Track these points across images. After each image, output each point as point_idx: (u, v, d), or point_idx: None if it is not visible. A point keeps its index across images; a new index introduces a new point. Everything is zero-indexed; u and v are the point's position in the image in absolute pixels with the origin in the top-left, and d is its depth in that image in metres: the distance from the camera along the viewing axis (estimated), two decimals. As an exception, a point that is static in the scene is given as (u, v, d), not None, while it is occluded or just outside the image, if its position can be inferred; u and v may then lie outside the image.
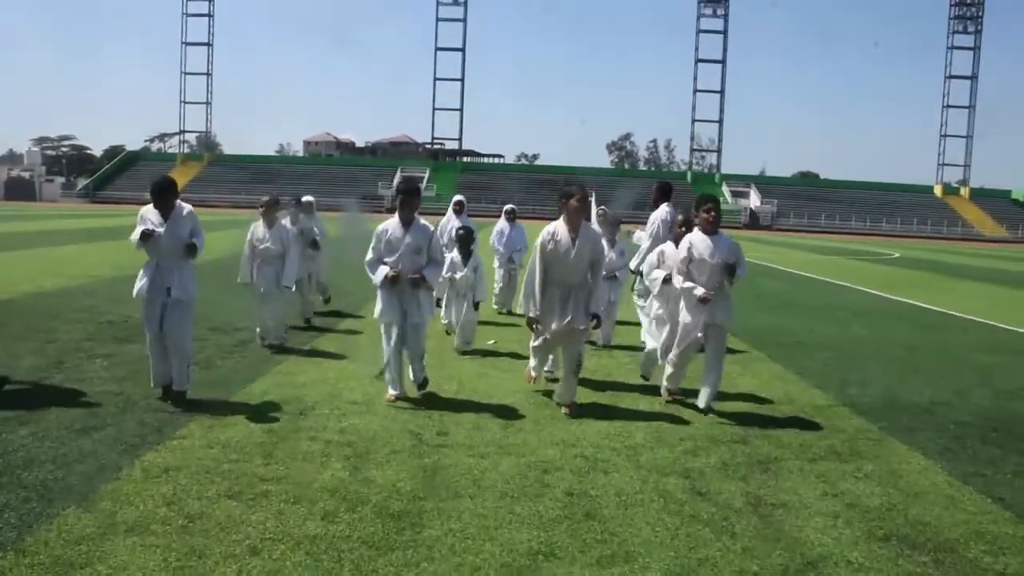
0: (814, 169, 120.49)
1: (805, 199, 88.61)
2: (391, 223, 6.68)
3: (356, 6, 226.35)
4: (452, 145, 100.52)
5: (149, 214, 6.26)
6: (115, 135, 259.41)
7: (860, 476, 5.34)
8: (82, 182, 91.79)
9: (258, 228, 8.55)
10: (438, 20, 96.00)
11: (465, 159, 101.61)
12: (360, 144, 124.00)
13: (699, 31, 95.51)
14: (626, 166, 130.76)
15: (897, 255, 37.41)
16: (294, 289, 9.12)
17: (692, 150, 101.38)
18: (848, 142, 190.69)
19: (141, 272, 6.31)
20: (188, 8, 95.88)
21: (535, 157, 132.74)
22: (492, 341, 9.48)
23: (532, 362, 7.10)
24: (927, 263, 32.87)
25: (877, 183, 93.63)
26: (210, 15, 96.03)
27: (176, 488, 4.45)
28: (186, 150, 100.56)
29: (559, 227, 6.48)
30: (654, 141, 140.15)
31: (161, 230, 6.15)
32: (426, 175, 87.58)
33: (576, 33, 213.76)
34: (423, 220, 6.75)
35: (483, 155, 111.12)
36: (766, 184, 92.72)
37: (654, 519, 4.41)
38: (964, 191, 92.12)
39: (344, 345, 8.90)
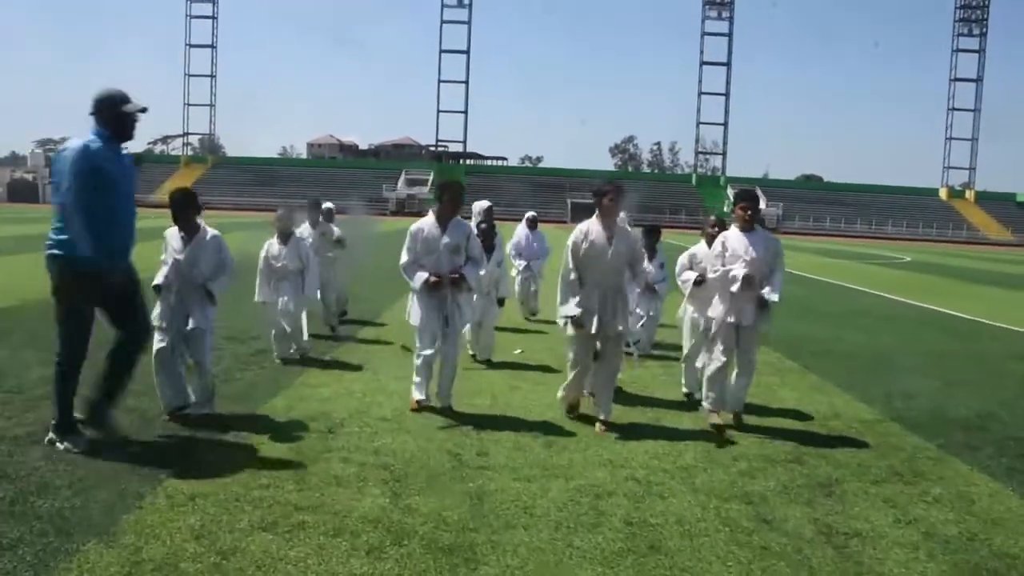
0: (817, 172, 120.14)
1: (809, 202, 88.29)
2: (426, 222, 6.35)
3: (359, 7, 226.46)
4: (456, 147, 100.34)
5: (172, 239, 5.85)
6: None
7: (930, 501, 4.99)
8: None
9: (272, 245, 8.12)
10: (442, 22, 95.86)
11: (469, 162, 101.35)
12: (363, 146, 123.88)
13: (704, 33, 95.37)
14: (629, 169, 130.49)
15: (908, 259, 37.07)
16: (318, 296, 8.78)
17: (697, 153, 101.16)
18: (852, 145, 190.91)
19: (158, 301, 5.83)
20: (192, 10, 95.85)
21: (539, 159, 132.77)
22: (519, 350, 9.13)
23: (563, 389, 6.52)
24: (938, 267, 32.51)
25: (881, 186, 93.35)
26: (214, 17, 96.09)
27: (204, 518, 4.09)
28: (189, 152, 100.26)
29: (592, 226, 6.16)
30: (658, 144, 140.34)
31: (181, 257, 5.75)
32: (430, 177, 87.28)
33: (580, 36, 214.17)
34: (459, 219, 6.41)
35: (487, 157, 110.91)
36: (770, 187, 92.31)
37: (723, 552, 4.06)
38: (969, 194, 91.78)
39: (366, 355, 8.54)
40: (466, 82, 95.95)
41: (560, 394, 6.49)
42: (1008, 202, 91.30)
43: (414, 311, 6.42)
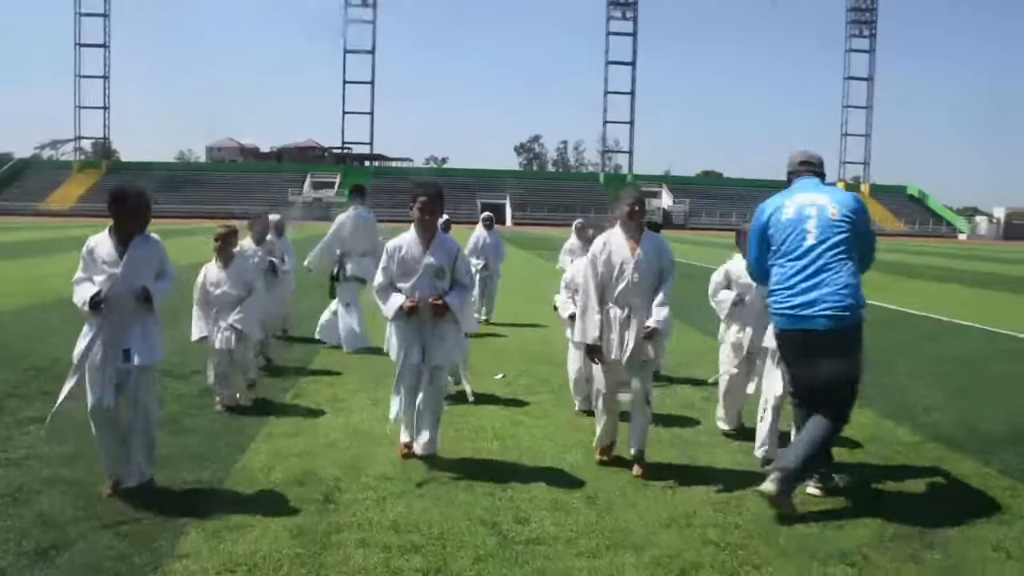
0: (716, 168, 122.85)
1: (712, 198, 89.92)
2: (406, 238, 5.32)
3: (256, 7, 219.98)
4: (361, 149, 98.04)
5: (100, 249, 4.56)
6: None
7: (1041, 544, 4.35)
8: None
9: (211, 270, 6.73)
10: (346, 22, 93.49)
11: (375, 163, 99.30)
12: (265, 149, 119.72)
13: (608, 33, 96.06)
14: (535, 168, 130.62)
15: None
16: (258, 332, 7.44)
17: (603, 151, 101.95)
18: (750, 141, 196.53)
19: (84, 328, 4.61)
20: (81, 6, 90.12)
21: (444, 160, 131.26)
22: (500, 375, 8.18)
23: (597, 429, 5.60)
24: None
25: (781, 181, 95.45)
26: (106, 15, 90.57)
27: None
28: (81, 158, 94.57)
29: (613, 237, 5.35)
30: (564, 143, 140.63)
31: (117, 271, 4.49)
32: (337, 180, 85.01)
33: (486, 36, 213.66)
34: (446, 234, 5.44)
35: (392, 159, 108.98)
36: (675, 184, 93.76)
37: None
38: (864, 188, 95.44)
39: (329, 390, 7.43)
40: (372, 83, 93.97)
41: (598, 435, 5.60)
42: (900, 194, 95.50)
43: (392, 343, 5.47)
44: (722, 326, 6.43)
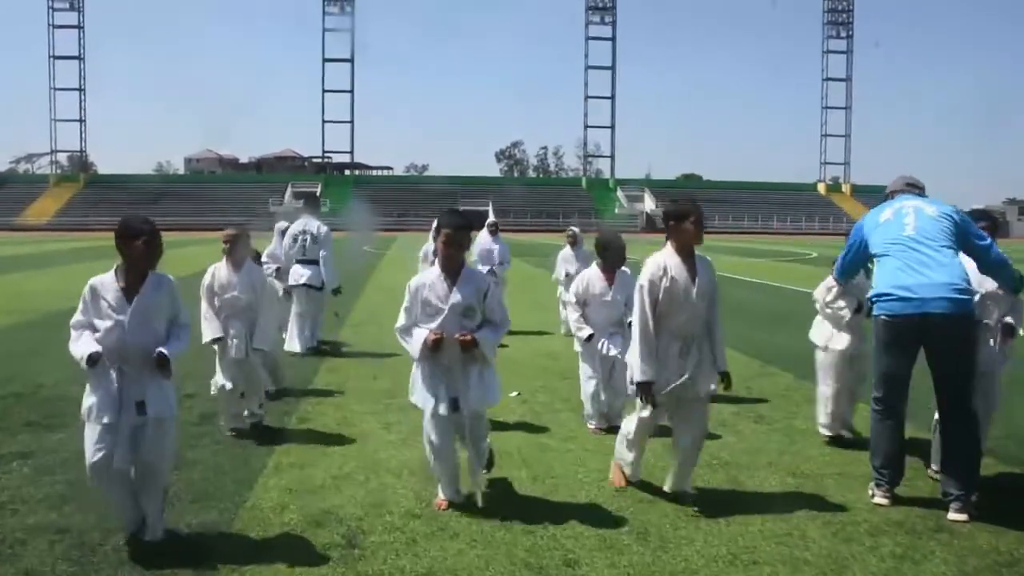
0: (697, 171, 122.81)
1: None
2: (430, 275, 4.74)
3: (232, 16, 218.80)
4: (341, 158, 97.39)
5: (105, 292, 4.04)
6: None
7: None
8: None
9: (220, 271, 6.31)
10: (324, 30, 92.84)
11: (355, 172, 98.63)
12: (244, 160, 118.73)
13: (588, 38, 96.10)
14: (515, 174, 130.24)
15: (814, 254, 37.56)
16: (271, 344, 7.01)
17: (585, 156, 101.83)
18: (730, 144, 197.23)
19: (91, 380, 4.08)
20: (55, 19, 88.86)
21: (424, 167, 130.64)
22: (515, 393, 7.71)
23: (627, 455, 5.10)
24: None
25: (763, 183, 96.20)
26: (80, 27, 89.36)
27: None
28: (58, 171, 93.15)
29: (669, 258, 4.78)
30: (544, 148, 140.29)
31: (124, 318, 3.98)
32: (318, 190, 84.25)
33: (465, 43, 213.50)
34: (472, 268, 4.88)
35: (372, 167, 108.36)
36: (655, 187, 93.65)
37: None
38: (846, 188, 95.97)
39: (340, 412, 6.95)
40: (351, 91, 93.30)
41: (622, 468, 5.15)
42: (879, 194, 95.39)
43: (417, 387, 4.80)
44: (824, 332, 6.22)
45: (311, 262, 9.71)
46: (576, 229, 11.95)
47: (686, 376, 4.73)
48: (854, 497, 4.98)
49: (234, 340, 6.22)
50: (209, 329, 6.21)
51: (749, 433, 6.46)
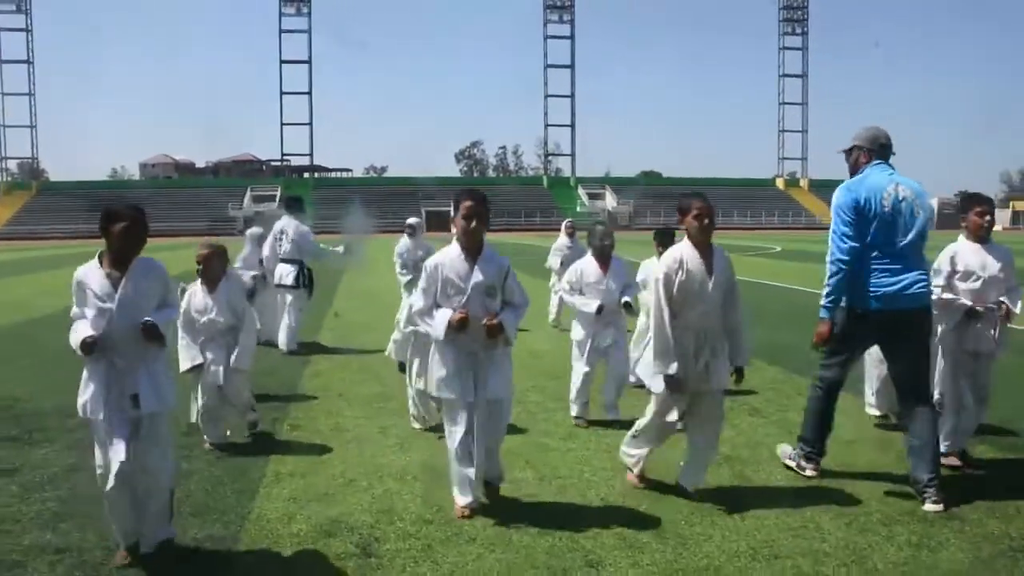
0: (656, 168, 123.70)
1: (654, 197, 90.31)
2: (448, 254, 4.60)
3: (188, 18, 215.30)
4: (300, 161, 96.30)
5: (91, 280, 3.89)
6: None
7: None
8: None
9: (196, 295, 6.03)
10: (281, 32, 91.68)
11: (315, 175, 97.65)
12: (200, 164, 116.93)
13: (546, 36, 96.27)
14: (475, 174, 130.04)
15: (778, 248, 38.04)
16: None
17: (545, 155, 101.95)
18: (688, 141, 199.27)
19: (85, 375, 3.97)
20: (1, 22, 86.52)
21: (383, 169, 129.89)
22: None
23: (635, 450, 5.06)
24: (810, 254, 33.36)
25: (722, 179, 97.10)
26: (28, 30, 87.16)
27: None
28: (8, 179, 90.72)
29: (686, 252, 4.75)
30: (503, 148, 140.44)
31: (113, 305, 3.83)
32: (277, 193, 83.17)
33: (423, 43, 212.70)
34: (492, 248, 4.73)
35: (330, 170, 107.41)
36: (615, 185, 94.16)
37: None
38: (803, 183, 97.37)
39: (332, 418, 6.81)
40: (309, 93, 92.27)
41: (633, 460, 5.10)
42: (836, 188, 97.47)
43: (435, 374, 4.62)
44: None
45: (290, 261, 9.92)
46: (571, 221, 13.08)
47: (700, 370, 4.72)
48: (861, 488, 5.00)
49: (211, 367, 5.97)
50: (187, 357, 5.93)
51: (746, 427, 6.47)
